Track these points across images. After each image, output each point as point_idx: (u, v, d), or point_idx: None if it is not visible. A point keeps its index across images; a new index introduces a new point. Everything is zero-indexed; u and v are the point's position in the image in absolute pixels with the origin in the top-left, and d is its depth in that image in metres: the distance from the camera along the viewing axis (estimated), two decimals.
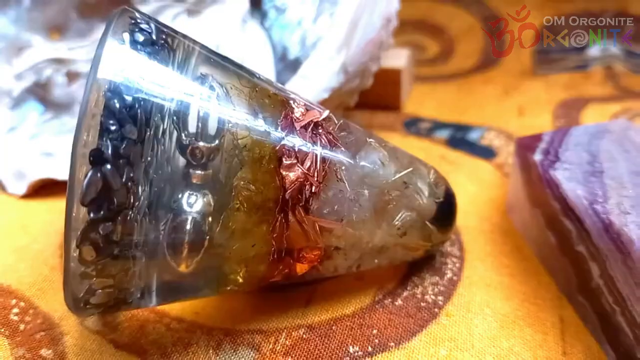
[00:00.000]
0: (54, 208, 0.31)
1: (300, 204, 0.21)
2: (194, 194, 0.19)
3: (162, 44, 0.20)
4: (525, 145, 0.27)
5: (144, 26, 0.20)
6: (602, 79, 0.42)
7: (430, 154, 0.34)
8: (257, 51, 0.35)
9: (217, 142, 0.19)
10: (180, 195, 0.19)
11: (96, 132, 0.17)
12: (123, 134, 0.18)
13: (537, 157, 0.26)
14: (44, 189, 0.33)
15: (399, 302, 0.24)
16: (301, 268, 0.23)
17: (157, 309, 0.24)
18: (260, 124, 0.20)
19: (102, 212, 0.18)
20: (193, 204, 0.19)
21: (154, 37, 0.20)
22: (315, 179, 0.21)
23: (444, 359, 0.22)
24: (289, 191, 0.21)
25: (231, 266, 0.21)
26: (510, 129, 0.36)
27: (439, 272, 0.26)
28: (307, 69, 0.31)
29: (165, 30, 0.21)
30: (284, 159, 0.21)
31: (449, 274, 0.26)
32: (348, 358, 0.22)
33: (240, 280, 0.22)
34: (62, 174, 0.32)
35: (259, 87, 0.22)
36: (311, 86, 0.30)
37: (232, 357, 0.22)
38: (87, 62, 0.38)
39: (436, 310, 0.24)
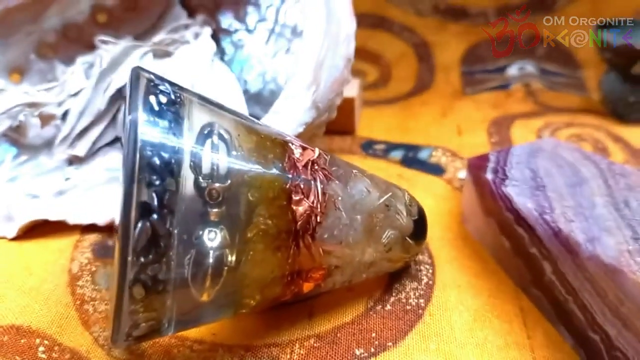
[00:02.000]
0: (51, 247, 0.32)
1: (309, 232, 0.24)
2: (213, 230, 0.21)
3: (179, 101, 0.22)
4: (476, 165, 0.32)
5: (162, 87, 0.22)
6: (523, 96, 0.48)
7: (388, 173, 0.38)
8: (229, 88, 0.38)
9: (229, 182, 0.22)
10: (200, 233, 0.21)
11: (142, 186, 0.20)
12: (164, 187, 0.20)
13: (489, 175, 0.30)
14: (34, 229, 0.33)
15: (388, 307, 0.28)
16: (307, 287, 0.25)
17: (177, 334, 0.26)
18: (270, 167, 0.23)
19: (150, 256, 0.20)
20: (213, 239, 0.22)
21: (172, 96, 0.22)
22: (319, 210, 0.24)
23: (435, 352, 0.25)
24: (299, 222, 0.23)
25: (248, 292, 0.24)
26: (453, 148, 0.41)
27: (416, 278, 0.29)
28: (280, 106, 0.34)
29: (174, 87, 0.23)
30: (293, 196, 0.23)
31: (425, 279, 0.29)
32: (356, 359, 0.25)
33: (254, 303, 0.24)
34: (52, 214, 0.33)
35: (263, 134, 0.24)
36: (287, 122, 0.33)
37: None
38: (57, 105, 0.39)
39: (420, 311, 0.27)
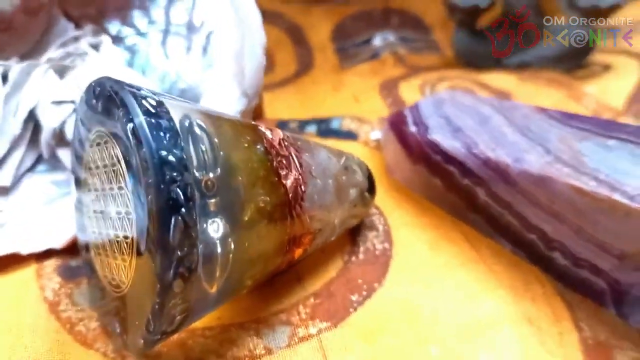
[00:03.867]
0: (10, 283, 0.29)
1: (298, 202, 0.26)
2: (215, 220, 0.21)
3: (161, 101, 0.22)
4: (396, 122, 0.35)
5: (143, 92, 0.22)
6: (394, 62, 0.53)
7: None
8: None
9: (219, 170, 0.22)
10: (205, 225, 0.22)
11: (168, 185, 0.20)
12: (184, 181, 0.20)
13: (412, 128, 0.34)
14: None
15: (361, 256, 0.30)
16: (298, 253, 0.27)
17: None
18: (254, 148, 0.24)
19: (185, 249, 0.20)
20: (217, 229, 0.21)
21: (155, 98, 0.22)
22: (302, 180, 0.26)
23: (414, 279, 0.28)
24: (290, 194, 0.25)
25: (253, 272, 0.24)
26: (357, 114, 0.44)
27: (373, 227, 0.33)
28: (210, 99, 0.34)
29: (147, 89, 0.23)
30: (280, 171, 0.25)
31: (380, 227, 0.33)
32: (355, 304, 0.27)
33: (252, 282, 0.25)
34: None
35: (233, 120, 0.25)
36: (224, 112, 0.34)
37: (274, 335, 0.25)
38: None
39: (388, 253, 0.31)
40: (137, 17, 0.42)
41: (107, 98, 0.22)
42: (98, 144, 0.24)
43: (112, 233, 0.23)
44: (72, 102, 0.34)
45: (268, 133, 0.26)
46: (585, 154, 0.28)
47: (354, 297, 0.28)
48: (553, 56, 0.52)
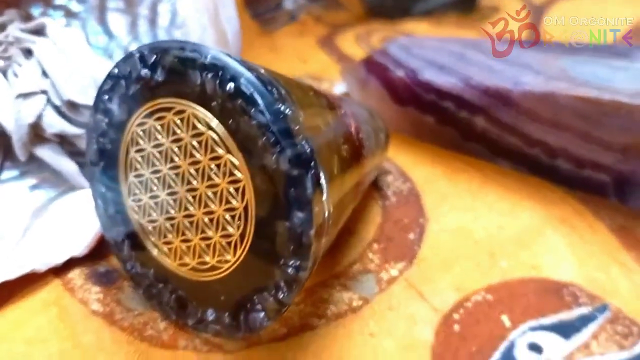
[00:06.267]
0: (34, 307, 0.24)
1: (362, 149, 0.25)
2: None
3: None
4: (376, 69, 0.35)
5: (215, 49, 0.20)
6: (314, 22, 0.52)
7: None
8: None
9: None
10: None
11: (293, 140, 0.18)
12: (302, 133, 0.18)
13: (399, 72, 0.34)
14: None
15: (393, 199, 0.30)
16: (358, 199, 0.26)
17: None
18: (322, 101, 0.23)
19: (319, 204, 0.19)
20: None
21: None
22: (358, 127, 0.25)
23: (451, 206, 0.30)
24: (357, 142, 0.24)
25: (336, 228, 0.23)
26: (312, 73, 0.43)
27: (387, 172, 0.33)
28: None
29: None
30: (345, 120, 0.24)
31: (393, 170, 0.33)
32: (416, 241, 0.27)
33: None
34: (9, 273, 0.24)
35: (281, 74, 0.23)
36: None
37: (362, 285, 0.25)
38: None
39: (415, 191, 0.31)
40: None
41: (177, 63, 0.19)
42: (159, 119, 0.20)
43: (198, 212, 0.20)
44: (44, 92, 0.28)
45: (315, 84, 0.25)
46: (570, 70, 0.31)
47: (411, 236, 0.28)
48: (451, 2, 0.56)
